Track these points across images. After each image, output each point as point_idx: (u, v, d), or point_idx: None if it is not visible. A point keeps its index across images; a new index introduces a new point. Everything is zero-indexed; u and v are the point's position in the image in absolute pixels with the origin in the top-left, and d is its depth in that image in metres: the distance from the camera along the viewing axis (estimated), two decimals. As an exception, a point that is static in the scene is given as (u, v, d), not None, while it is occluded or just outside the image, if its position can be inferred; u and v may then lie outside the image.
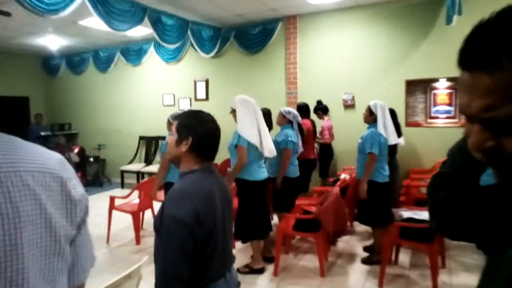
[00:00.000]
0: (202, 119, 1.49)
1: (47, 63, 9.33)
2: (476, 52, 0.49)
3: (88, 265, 0.83)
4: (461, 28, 4.82)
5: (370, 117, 3.73)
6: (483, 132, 0.51)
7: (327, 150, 5.60)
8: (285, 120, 4.09)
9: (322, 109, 5.75)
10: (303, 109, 5.07)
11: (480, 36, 0.50)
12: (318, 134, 5.59)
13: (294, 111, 4.17)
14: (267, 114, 3.98)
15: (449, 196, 0.77)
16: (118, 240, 4.63)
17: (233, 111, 3.50)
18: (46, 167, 0.72)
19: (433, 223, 0.82)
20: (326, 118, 5.71)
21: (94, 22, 5.76)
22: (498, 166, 0.53)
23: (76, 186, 0.77)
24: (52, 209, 0.70)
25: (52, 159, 0.75)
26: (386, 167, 3.72)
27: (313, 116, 5.63)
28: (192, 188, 1.40)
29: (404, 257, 3.85)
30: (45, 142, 8.12)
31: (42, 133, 8.40)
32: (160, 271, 1.31)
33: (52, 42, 7.41)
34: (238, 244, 4.24)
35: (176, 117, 1.56)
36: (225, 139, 4.33)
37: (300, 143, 4.12)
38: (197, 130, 1.45)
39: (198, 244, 1.33)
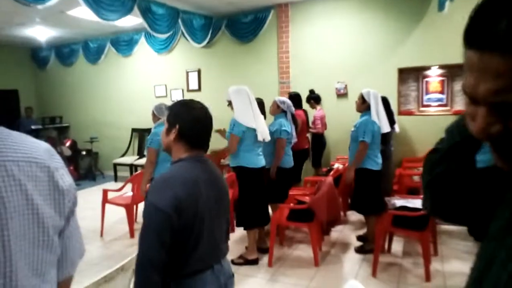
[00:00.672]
0: (189, 107, 1.48)
1: (36, 55, 9.17)
2: (488, 30, 0.44)
3: (77, 257, 0.82)
4: (453, 15, 4.81)
5: (363, 105, 3.73)
6: (490, 115, 0.47)
7: (319, 140, 5.60)
8: (279, 110, 4.08)
9: (314, 99, 5.73)
10: (295, 99, 5.04)
11: (492, 10, 0.44)
12: (310, 124, 5.58)
13: (288, 101, 4.14)
14: (260, 103, 3.95)
15: (445, 173, 0.74)
16: (112, 234, 4.61)
17: (230, 103, 3.56)
18: (32, 156, 0.70)
19: (427, 203, 0.79)
20: (318, 107, 5.70)
21: (83, 12, 5.63)
22: (504, 151, 0.50)
23: (64, 176, 0.75)
24: (39, 199, 0.68)
25: (39, 148, 0.73)
26: (379, 155, 3.74)
27: (305, 105, 5.60)
28: (175, 175, 1.39)
29: (397, 245, 3.88)
30: (36, 135, 8.00)
31: (33, 127, 8.29)
32: (139, 255, 1.32)
33: (41, 33, 7.26)
34: (233, 236, 4.26)
35: (167, 107, 1.53)
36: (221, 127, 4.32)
37: (294, 133, 4.10)
38: (184, 117, 1.45)
39: (177, 233, 1.31)
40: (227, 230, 1.64)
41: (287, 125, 4.00)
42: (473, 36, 0.47)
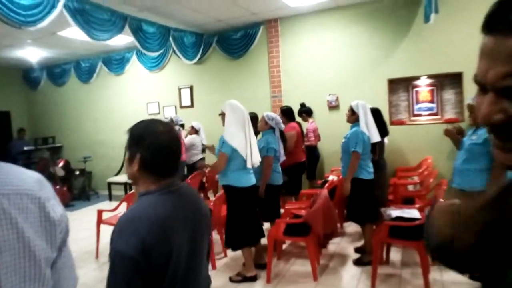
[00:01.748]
0: (150, 131, 1.26)
1: (27, 76, 9.16)
2: (504, 15, 0.46)
3: (70, 287, 0.80)
4: (438, 25, 4.93)
5: (353, 116, 3.78)
6: (496, 102, 0.48)
7: (313, 152, 5.61)
8: (267, 126, 4.02)
9: (306, 112, 5.77)
10: (287, 112, 5.07)
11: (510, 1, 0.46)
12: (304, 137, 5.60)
13: (277, 117, 4.09)
14: (253, 118, 3.95)
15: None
16: (107, 255, 4.52)
17: (222, 114, 3.49)
18: (22, 188, 0.69)
19: (429, 250, 0.74)
20: (310, 120, 5.74)
21: (74, 33, 5.68)
22: (507, 140, 0.50)
23: (55, 206, 0.74)
24: (30, 232, 0.67)
25: (29, 179, 0.72)
26: (370, 164, 3.77)
27: (298, 119, 5.64)
28: (140, 215, 1.19)
29: (395, 255, 3.87)
30: (28, 157, 7.95)
31: (25, 148, 8.22)
32: None
33: (32, 54, 7.29)
34: (230, 252, 4.21)
35: (128, 130, 1.32)
36: (213, 144, 4.28)
37: (282, 151, 4.06)
38: (145, 145, 1.24)
39: (148, 278, 1.14)
40: (209, 253, 1.49)
41: (274, 142, 3.96)
42: (491, 22, 0.49)
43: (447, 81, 5.24)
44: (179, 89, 7.33)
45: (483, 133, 3.07)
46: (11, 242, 0.64)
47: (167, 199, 1.25)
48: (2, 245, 0.63)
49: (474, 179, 3.08)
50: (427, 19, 4.58)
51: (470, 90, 4.32)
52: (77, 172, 8.12)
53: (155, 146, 1.24)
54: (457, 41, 5.03)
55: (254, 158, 3.46)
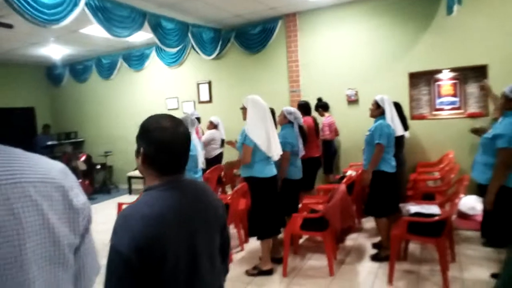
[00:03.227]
0: (155, 126, 1.24)
1: (51, 73, 9.41)
2: None
3: (93, 274, 0.84)
4: (461, 17, 4.79)
5: (377, 110, 3.76)
6: None
7: (328, 147, 5.61)
8: (285, 120, 4.08)
9: (322, 106, 5.79)
10: (303, 107, 5.06)
11: None
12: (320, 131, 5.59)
13: (296, 112, 4.11)
14: (271, 113, 3.96)
15: None
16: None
17: (244, 109, 3.54)
18: (47, 177, 0.72)
19: None
20: (327, 114, 5.73)
21: (95, 30, 5.80)
22: None
23: (78, 195, 0.77)
24: (54, 218, 0.70)
25: (54, 168, 0.75)
26: (393, 158, 3.75)
27: (314, 113, 5.63)
28: (137, 211, 1.17)
29: (414, 252, 3.82)
30: (51, 151, 8.19)
31: (49, 143, 8.48)
32: None
33: (55, 51, 7.47)
34: (246, 246, 4.26)
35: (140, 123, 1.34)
36: (233, 139, 4.29)
37: (301, 145, 4.06)
38: (148, 140, 1.23)
39: (140, 276, 1.11)
40: (225, 252, 1.45)
41: (292, 137, 3.99)
42: None
43: (471, 74, 5.09)
44: (198, 84, 7.39)
45: (496, 128, 3.00)
46: (37, 228, 0.67)
47: (168, 196, 1.21)
48: (30, 230, 0.66)
49: (483, 172, 3.04)
50: (449, 10, 4.45)
51: (496, 83, 4.18)
52: (98, 166, 8.31)
53: (157, 141, 1.22)
54: (480, 33, 4.88)
55: (275, 150, 3.50)
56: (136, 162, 1.30)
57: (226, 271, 1.47)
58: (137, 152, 1.26)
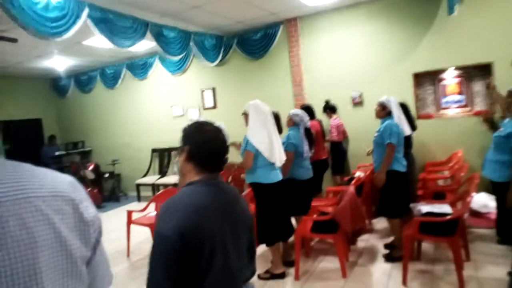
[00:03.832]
0: (200, 128, 1.47)
1: (56, 84, 9.50)
2: None
3: (105, 284, 0.84)
4: (463, 16, 4.78)
5: (383, 111, 3.75)
6: None
7: (336, 148, 5.61)
8: (291, 122, 4.08)
9: (330, 108, 5.81)
10: (306, 110, 5.05)
11: None
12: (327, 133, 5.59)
13: (302, 114, 4.09)
14: (275, 117, 3.96)
15: None
16: (138, 254, 4.66)
17: (245, 115, 3.54)
18: (57, 191, 0.72)
19: None
20: (334, 116, 5.73)
21: (98, 41, 5.85)
22: None
23: (88, 208, 0.78)
24: (66, 232, 0.71)
25: (63, 182, 0.76)
26: (404, 157, 3.72)
27: (322, 115, 5.62)
28: (180, 201, 1.33)
29: (427, 251, 3.79)
30: (59, 161, 8.24)
31: (57, 153, 8.54)
32: (147, 282, 1.27)
33: (59, 63, 7.55)
34: (258, 250, 4.22)
35: (182, 129, 1.54)
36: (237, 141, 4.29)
37: (306, 147, 4.03)
38: (194, 138, 1.44)
39: (183, 260, 1.23)
40: (252, 252, 1.56)
41: (295, 138, 3.97)
42: None
43: (476, 72, 5.06)
44: (202, 91, 7.42)
45: (508, 126, 2.98)
46: (49, 241, 0.68)
47: (206, 191, 1.37)
48: (42, 244, 0.66)
49: (496, 170, 3.01)
50: (451, 10, 4.45)
51: (501, 81, 4.14)
52: (107, 175, 8.34)
53: (201, 140, 1.42)
54: (483, 32, 4.86)
55: (278, 156, 3.48)
56: (179, 159, 1.48)
57: (253, 271, 1.55)
58: (181, 151, 1.45)
